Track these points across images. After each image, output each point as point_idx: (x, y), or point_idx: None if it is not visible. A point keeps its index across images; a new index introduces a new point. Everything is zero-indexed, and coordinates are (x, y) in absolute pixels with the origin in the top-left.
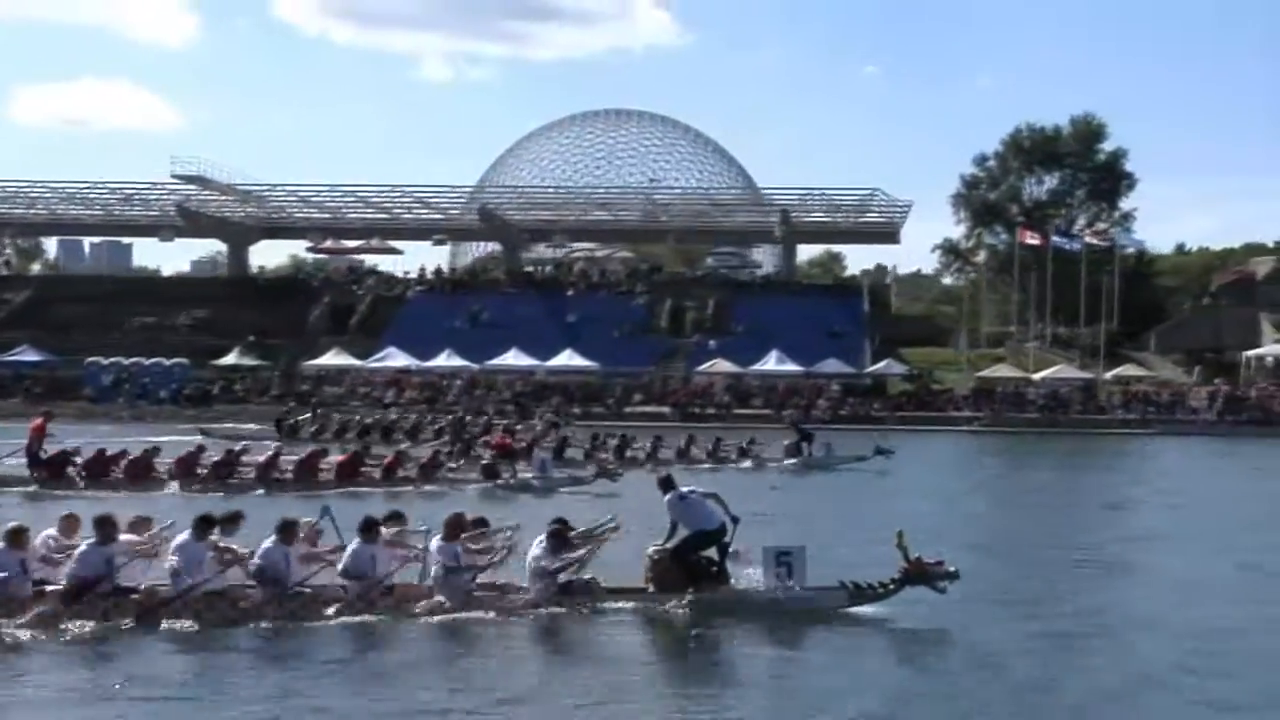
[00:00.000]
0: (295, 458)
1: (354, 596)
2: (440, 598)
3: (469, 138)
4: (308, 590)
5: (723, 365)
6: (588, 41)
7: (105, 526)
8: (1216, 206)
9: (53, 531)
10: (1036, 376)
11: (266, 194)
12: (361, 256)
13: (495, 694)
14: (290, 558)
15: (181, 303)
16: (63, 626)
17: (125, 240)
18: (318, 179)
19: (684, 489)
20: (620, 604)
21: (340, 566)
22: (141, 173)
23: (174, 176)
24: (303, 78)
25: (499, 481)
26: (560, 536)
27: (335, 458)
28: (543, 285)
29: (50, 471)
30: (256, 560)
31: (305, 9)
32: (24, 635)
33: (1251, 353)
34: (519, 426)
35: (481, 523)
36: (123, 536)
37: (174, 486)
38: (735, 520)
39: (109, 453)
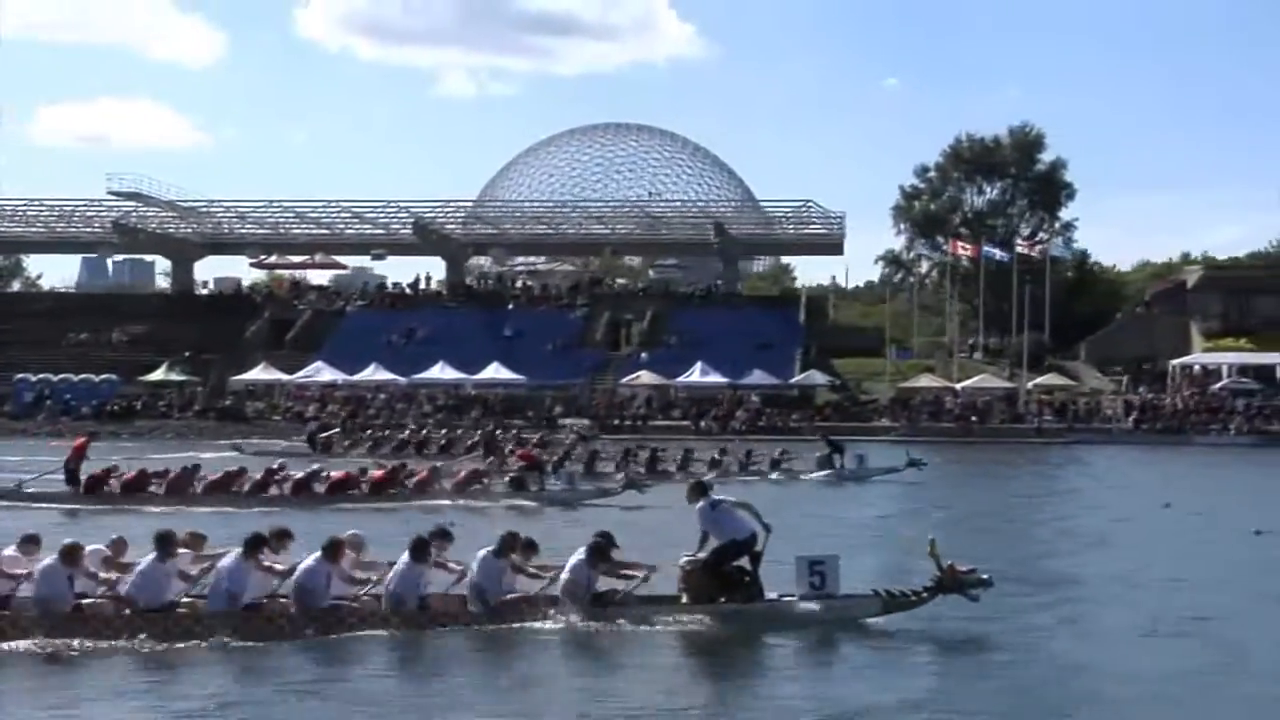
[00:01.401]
0: (332, 474)
1: (389, 612)
2: (474, 611)
3: (492, 153)
4: (345, 604)
5: (648, 377)
6: (611, 55)
7: (165, 544)
8: (1169, 218)
9: (98, 547)
10: (959, 386)
11: (208, 210)
12: (331, 270)
13: (524, 707)
14: (332, 576)
15: (124, 318)
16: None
17: (149, 258)
18: (337, 196)
19: (715, 497)
20: (652, 613)
21: (387, 588)
22: (164, 192)
23: (110, 193)
24: (325, 95)
25: (526, 494)
26: (602, 552)
27: (372, 474)
28: (483, 299)
29: (89, 488)
30: (297, 578)
31: (327, 26)
32: (73, 647)
33: (1178, 361)
34: (550, 440)
35: (531, 546)
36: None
37: (212, 504)
38: (768, 529)
39: (149, 470)
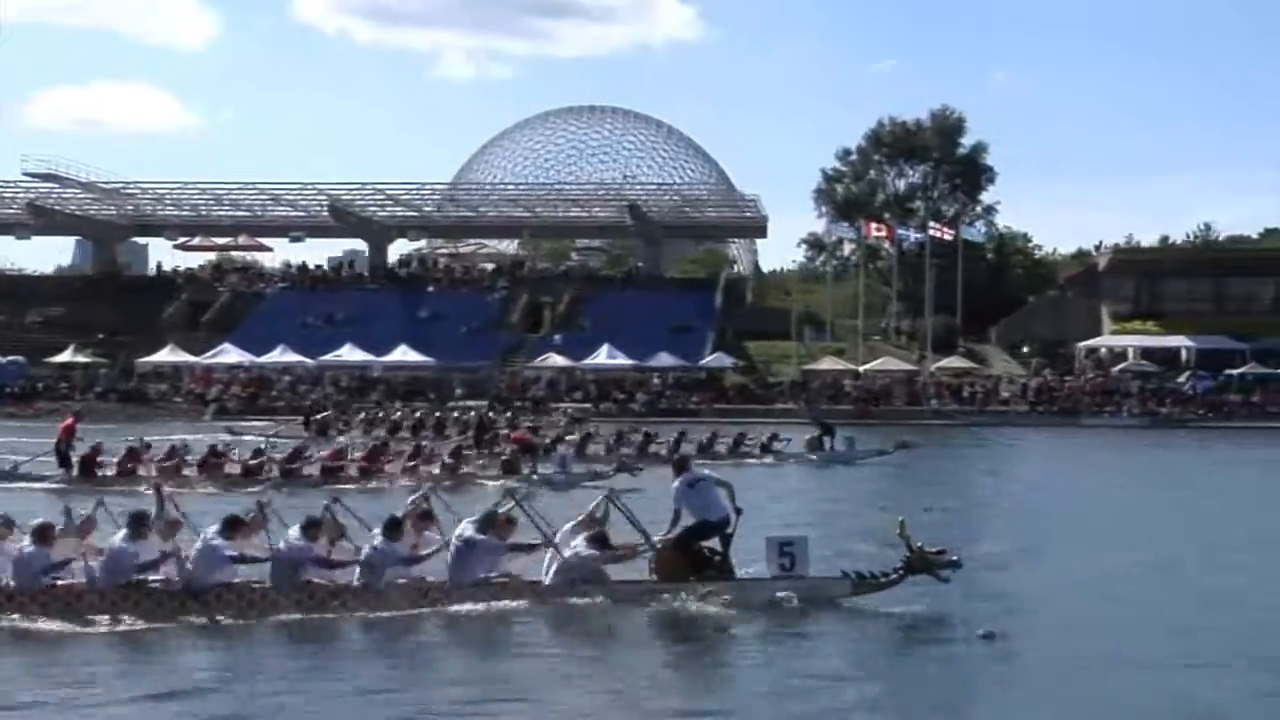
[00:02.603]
0: (320, 454)
1: (363, 589)
2: (451, 589)
3: (491, 135)
4: (321, 583)
5: (555, 360)
6: (610, 37)
7: (138, 524)
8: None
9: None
10: (862, 368)
11: (128, 192)
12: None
13: (494, 684)
14: (312, 554)
15: (42, 300)
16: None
17: (141, 240)
18: (336, 178)
19: (698, 473)
20: (625, 593)
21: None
22: (160, 174)
23: (25, 174)
24: (322, 77)
25: (519, 476)
26: (603, 541)
27: (358, 454)
28: (405, 282)
29: (81, 469)
30: (277, 552)
31: (324, 8)
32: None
33: (1084, 344)
34: (543, 423)
35: (511, 522)
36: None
37: (203, 484)
38: (739, 512)
39: (139, 450)
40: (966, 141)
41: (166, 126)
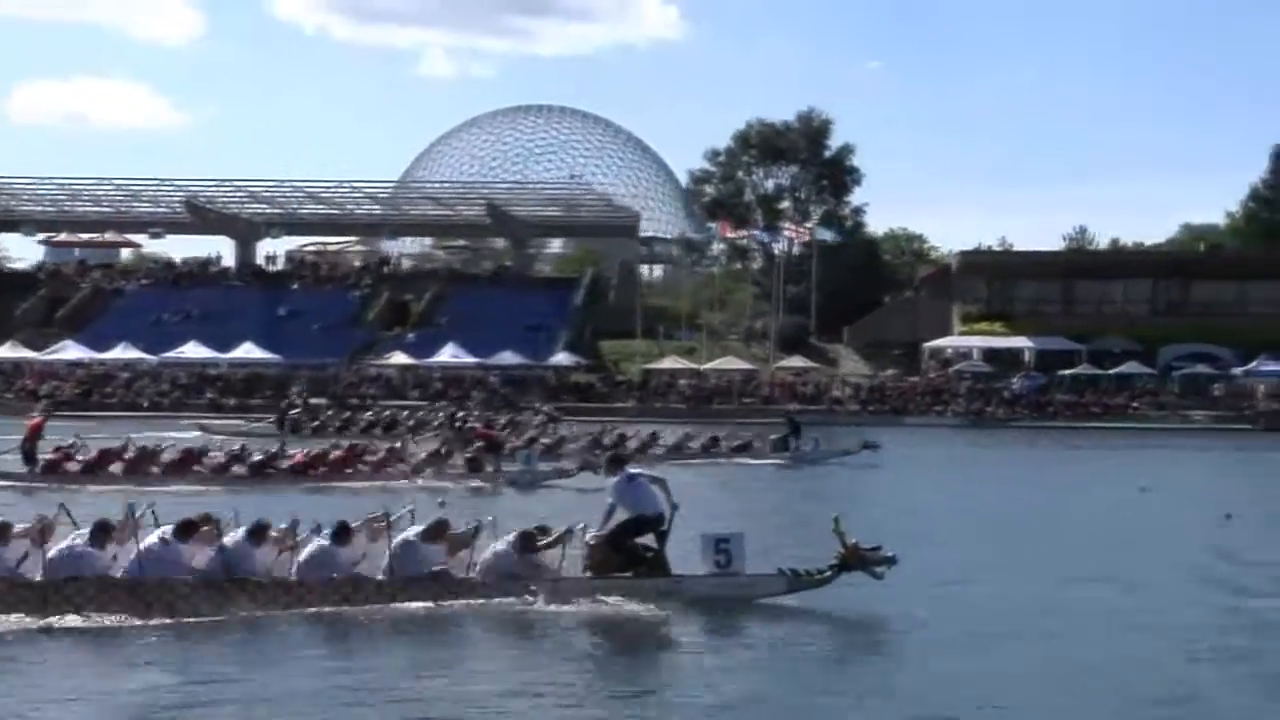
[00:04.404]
0: (293, 454)
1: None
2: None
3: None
4: (257, 580)
5: (399, 357)
6: (592, 37)
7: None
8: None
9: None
10: (704, 367)
11: None
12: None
13: (419, 682)
14: (257, 558)
15: None
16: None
17: (133, 236)
18: (315, 177)
19: (633, 470)
20: (559, 590)
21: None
22: (142, 170)
23: None
24: (303, 75)
25: (484, 475)
26: (530, 541)
27: (332, 454)
28: (269, 279)
29: (48, 468)
30: (226, 555)
31: (303, 5)
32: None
33: (930, 344)
34: (515, 422)
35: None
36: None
37: (173, 484)
38: (675, 508)
39: (110, 449)
40: (834, 143)
41: (150, 122)
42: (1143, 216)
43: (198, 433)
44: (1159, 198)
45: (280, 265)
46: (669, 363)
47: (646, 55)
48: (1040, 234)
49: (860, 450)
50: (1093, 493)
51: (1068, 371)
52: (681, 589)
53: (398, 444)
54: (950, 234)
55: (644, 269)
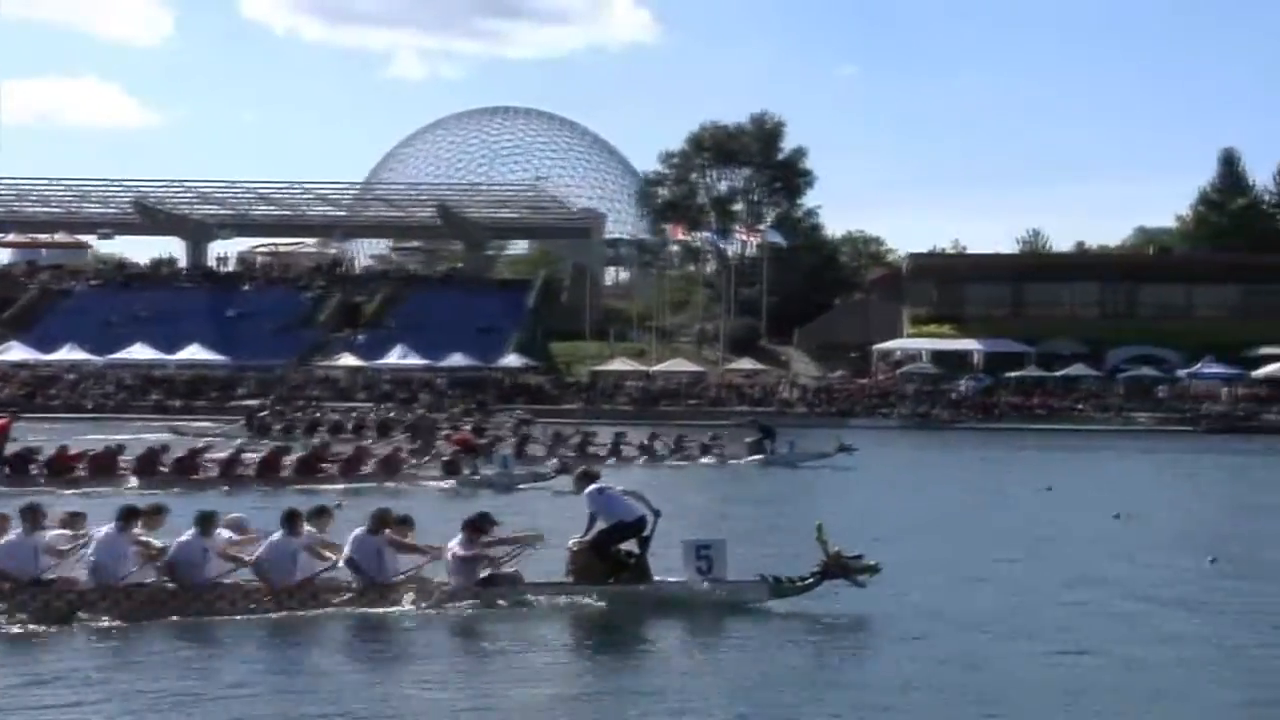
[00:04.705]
0: (258, 455)
1: (268, 591)
2: (350, 590)
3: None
4: (225, 584)
5: (348, 359)
6: (564, 40)
7: (32, 516)
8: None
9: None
10: (652, 369)
11: None
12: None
13: (396, 690)
14: (209, 551)
15: None
16: None
17: (84, 237)
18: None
19: (602, 484)
20: (540, 597)
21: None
22: (112, 171)
23: None
24: (273, 76)
25: (460, 478)
26: (475, 527)
27: (297, 455)
28: (220, 281)
29: (12, 469)
30: (171, 554)
31: (273, 6)
32: None
33: (879, 346)
34: (486, 424)
35: (406, 522)
36: (53, 532)
37: (136, 483)
38: (657, 514)
39: (72, 450)
40: (787, 146)
41: (122, 123)
42: (1101, 219)
43: (168, 435)
44: (1116, 201)
45: (232, 266)
46: (618, 364)
47: (618, 58)
48: (1001, 237)
49: (836, 453)
50: (1001, 493)
51: (1014, 374)
52: (663, 595)
53: (363, 444)
54: (910, 236)
55: (611, 271)
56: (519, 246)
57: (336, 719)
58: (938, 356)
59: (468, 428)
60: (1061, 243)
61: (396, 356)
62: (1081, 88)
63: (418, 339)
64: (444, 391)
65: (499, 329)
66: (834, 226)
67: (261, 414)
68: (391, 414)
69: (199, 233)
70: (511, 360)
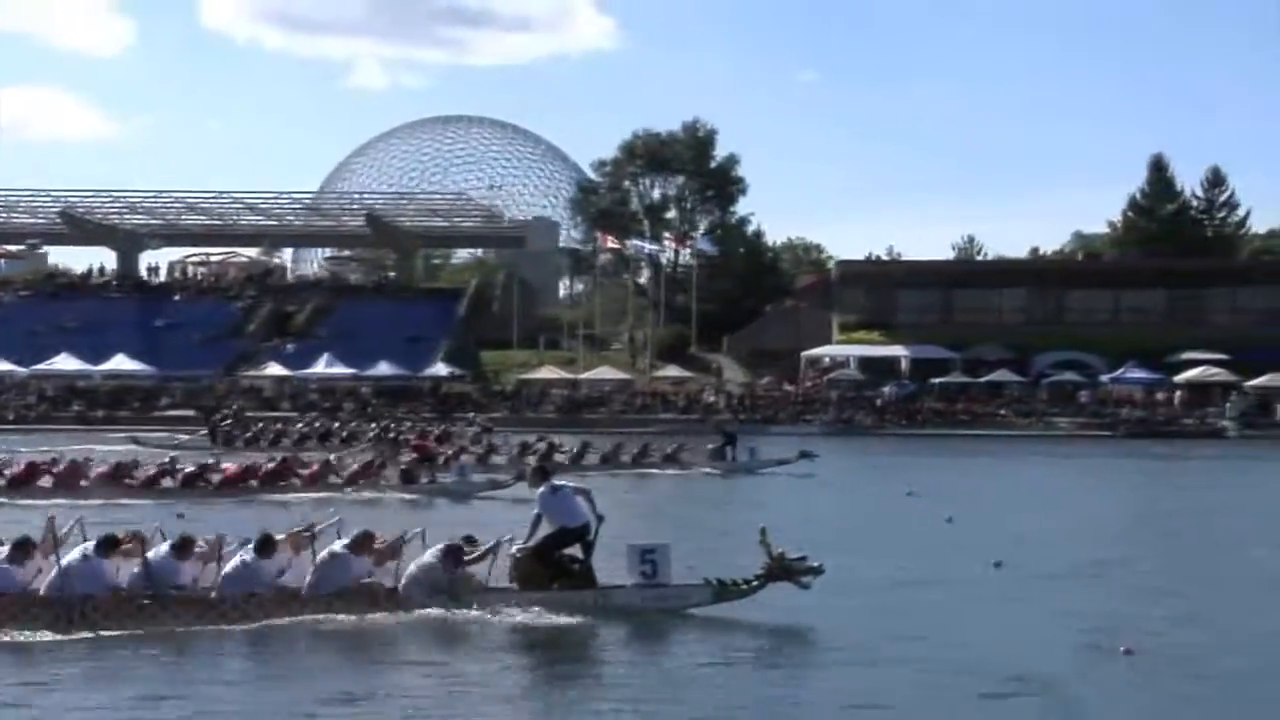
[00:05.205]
0: (225, 466)
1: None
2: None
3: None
4: (185, 593)
5: (275, 369)
6: (528, 47)
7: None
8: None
9: None
10: (580, 377)
11: None
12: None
13: (338, 694)
14: (182, 571)
15: None
16: None
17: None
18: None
19: (557, 481)
20: (483, 601)
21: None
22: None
23: None
24: (235, 86)
25: (417, 486)
26: (457, 554)
27: (265, 466)
28: (151, 291)
29: None
30: (150, 569)
31: (235, 15)
32: None
33: (808, 353)
34: (450, 433)
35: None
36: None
37: (104, 496)
38: (600, 519)
39: (39, 462)
40: (718, 154)
41: (84, 134)
42: (1042, 225)
43: (131, 445)
44: (1056, 207)
45: (163, 277)
46: (545, 372)
47: (581, 65)
48: (943, 244)
49: (798, 459)
50: (862, 494)
51: (939, 379)
52: (608, 600)
53: (331, 456)
54: (854, 243)
55: (567, 281)
56: (462, 256)
57: None
58: (865, 363)
59: (434, 436)
60: (999, 249)
61: (323, 366)
62: (1038, 91)
63: (347, 348)
64: (368, 401)
65: (428, 338)
66: (780, 233)
67: (224, 425)
68: (353, 424)
69: (129, 243)
70: (439, 369)
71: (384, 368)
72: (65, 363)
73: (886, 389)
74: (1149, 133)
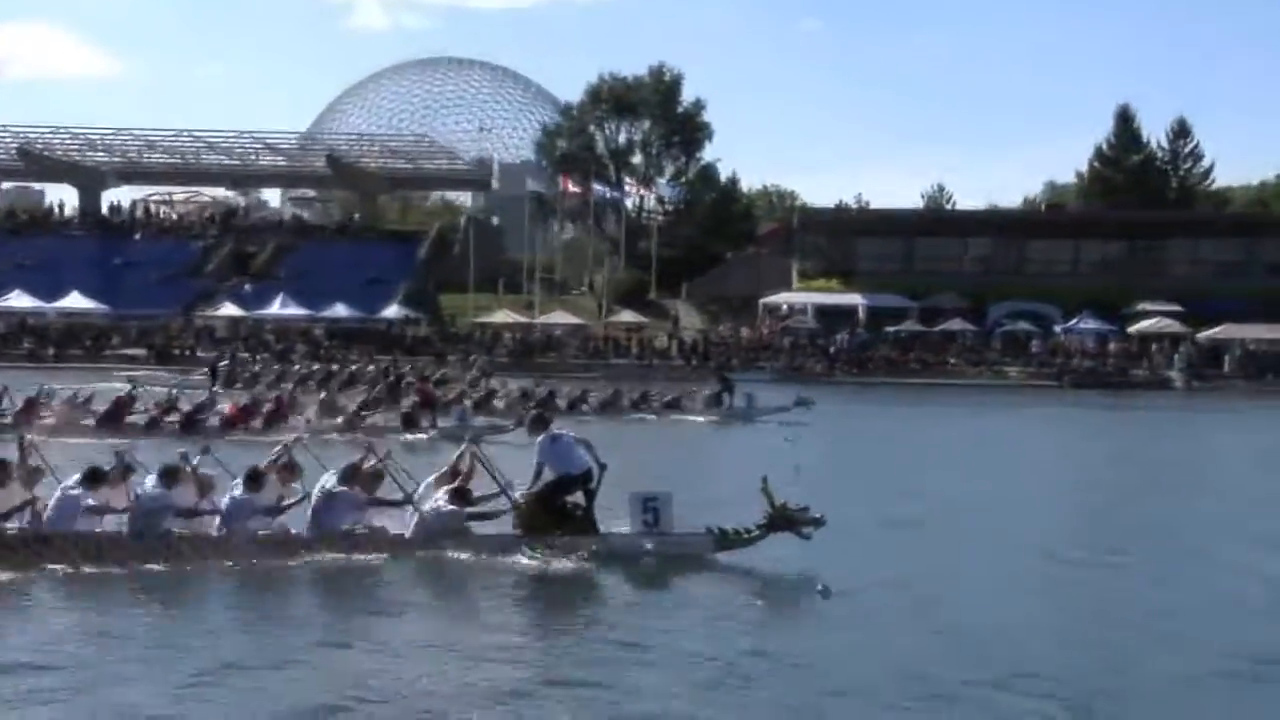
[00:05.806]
0: (224, 406)
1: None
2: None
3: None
4: (184, 534)
5: (229, 309)
6: None
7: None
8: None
9: None
10: (535, 321)
11: None
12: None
13: (335, 638)
14: (173, 503)
15: None
16: None
17: (37, 185)
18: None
19: (555, 431)
20: (487, 547)
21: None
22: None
23: None
24: (234, 26)
25: (418, 429)
26: (464, 497)
27: (264, 407)
28: (111, 229)
29: None
30: (138, 503)
31: None
32: None
33: (765, 300)
34: (448, 377)
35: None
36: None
37: (104, 435)
38: (603, 467)
39: (38, 399)
40: (685, 99)
41: (74, 70)
42: (1016, 175)
43: (127, 384)
44: (1028, 157)
45: (125, 215)
46: (501, 316)
47: (584, 11)
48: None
49: (794, 406)
50: (747, 442)
51: (893, 328)
52: (610, 547)
53: (326, 396)
54: (826, 192)
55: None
56: (436, 200)
57: None
58: (822, 311)
59: (434, 380)
60: (971, 198)
61: (278, 306)
62: (1025, 36)
63: (304, 289)
64: (322, 343)
65: (388, 280)
66: (764, 180)
67: (222, 364)
68: (354, 367)
69: (90, 180)
70: (394, 311)
71: (340, 309)
72: (19, 300)
73: (839, 337)
74: (1119, 82)
